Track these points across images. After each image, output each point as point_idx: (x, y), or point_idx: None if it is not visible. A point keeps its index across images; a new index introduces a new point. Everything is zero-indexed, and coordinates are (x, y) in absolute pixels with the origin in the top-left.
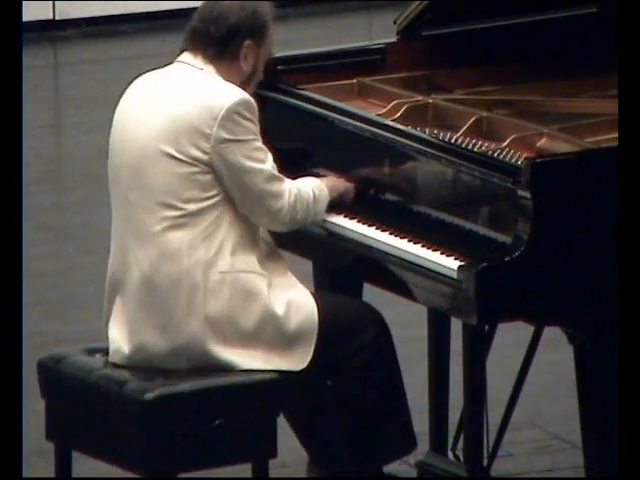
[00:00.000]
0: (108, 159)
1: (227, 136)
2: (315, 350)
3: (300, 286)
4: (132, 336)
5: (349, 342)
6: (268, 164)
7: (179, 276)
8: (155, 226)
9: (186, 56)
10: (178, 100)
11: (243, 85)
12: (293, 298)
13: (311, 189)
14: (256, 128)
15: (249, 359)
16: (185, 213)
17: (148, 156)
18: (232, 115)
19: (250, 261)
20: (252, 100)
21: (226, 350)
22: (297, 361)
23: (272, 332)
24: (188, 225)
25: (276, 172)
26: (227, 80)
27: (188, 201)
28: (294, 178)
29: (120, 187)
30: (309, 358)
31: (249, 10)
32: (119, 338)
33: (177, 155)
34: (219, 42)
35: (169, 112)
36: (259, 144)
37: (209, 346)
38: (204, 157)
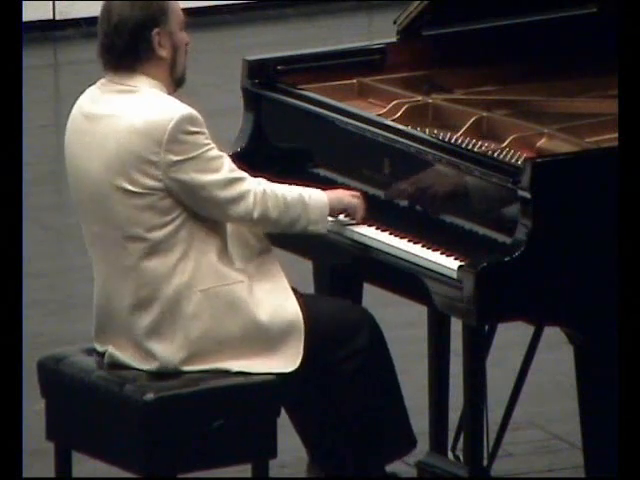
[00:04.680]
0: (72, 191)
1: (175, 158)
2: (310, 353)
3: (284, 286)
4: (120, 358)
5: (343, 345)
6: (224, 171)
7: (160, 304)
8: (127, 260)
9: (112, 75)
10: (120, 132)
11: (172, 69)
12: (276, 301)
13: (298, 193)
14: (204, 137)
15: (238, 363)
16: (152, 242)
17: (103, 191)
18: (176, 136)
19: (228, 272)
20: (192, 112)
21: (214, 362)
22: (287, 363)
23: (257, 338)
24: (159, 253)
25: (234, 174)
26: (157, 75)
27: (152, 229)
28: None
29: (86, 220)
30: (299, 359)
31: (139, 5)
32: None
33: (131, 188)
34: (129, 49)
35: (114, 146)
36: (210, 153)
37: (196, 365)
38: (158, 184)
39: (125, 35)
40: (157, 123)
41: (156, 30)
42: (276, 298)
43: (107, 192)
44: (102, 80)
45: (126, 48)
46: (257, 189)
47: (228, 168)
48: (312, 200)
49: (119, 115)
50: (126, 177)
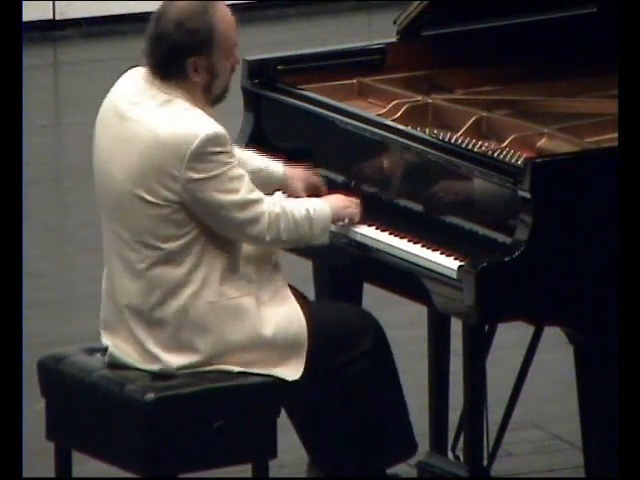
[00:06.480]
0: (95, 183)
1: (196, 176)
2: (313, 357)
3: (292, 299)
4: (122, 354)
5: (347, 350)
6: (242, 191)
7: (167, 312)
8: (140, 264)
9: (149, 75)
10: (144, 141)
11: (206, 92)
12: (283, 315)
13: (305, 209)
14: (227, 156)
15: (242, 366)
16: (166, 252)
17: (123, 197)
18: (199, 155)
19: (237, 285)
20: (218, 131)
21: (216, 365)
22: (290, 372)
23: (260, 350)
24: (172, 262)
25: (252, 195)
26: (190, 93)
27: (167, 240)
28: None
29: (106, 216)
30: (301, 369)
31: (186, 28)
32: (111, 347)
33: (149, 198)
34: (162, 64)
35: (138, 154)
36: (231, 173)
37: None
38: (175, 197)
39: (163, 49)
40: (182, 139)
41: (192, 59)
42: (282, 316)
43: (127, 199)
44: (144, 73)
45: (161, 61)
46: (272, 211)
47: (247, 189)
48: (316, 214)
49: (146, 123)
50: (145, 187)
